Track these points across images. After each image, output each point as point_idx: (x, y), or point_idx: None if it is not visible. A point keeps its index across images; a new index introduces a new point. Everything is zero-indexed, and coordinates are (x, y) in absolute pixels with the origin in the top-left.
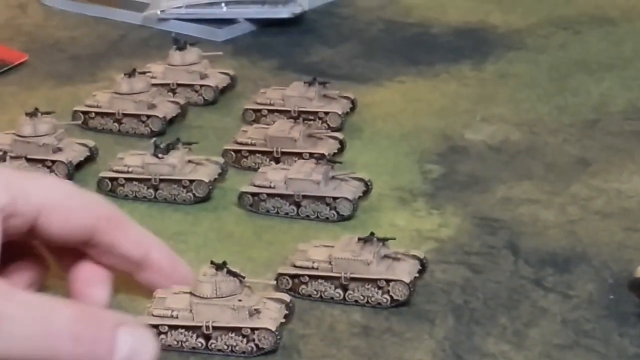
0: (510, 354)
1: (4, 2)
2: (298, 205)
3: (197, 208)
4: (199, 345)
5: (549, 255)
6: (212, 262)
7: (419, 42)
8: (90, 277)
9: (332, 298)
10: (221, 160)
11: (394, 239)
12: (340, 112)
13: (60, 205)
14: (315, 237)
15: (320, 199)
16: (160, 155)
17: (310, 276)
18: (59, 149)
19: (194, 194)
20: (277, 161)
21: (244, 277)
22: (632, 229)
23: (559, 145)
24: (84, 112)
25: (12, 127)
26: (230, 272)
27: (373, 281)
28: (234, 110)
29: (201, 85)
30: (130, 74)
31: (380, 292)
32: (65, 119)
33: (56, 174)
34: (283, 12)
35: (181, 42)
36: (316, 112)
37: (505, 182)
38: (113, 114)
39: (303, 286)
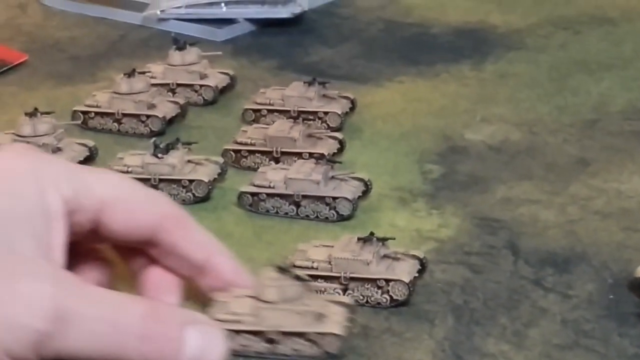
0: (510, 354)
1: (4, 2)
2: (298, 205)
3: (196, 208)
4: (264, 349)
5: (549, 255)
6: (277, 267)
7: (419, 42)
8: (160, 283)
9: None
10: (221, 160)
11: (394, 239)
12: (339, 112)
13: (123, 200)
14: (315, 237)
15: (320, 198)
16: (159, 155)
17: (310, 276)
18: (59, 149)
19: (193, 194)
20: (277, 161)
21: (309, 281)
22: (632, 229)
23: (559, 145)
24: (84, 112)
25: (12, 127)
26: (295, 276)
27: (373, 281)
28: (233, 110)
29: (201, 85)
30: (130, 74)
31: (379, 292)
32: (64, 119)
33: None
34: (283, 12)
35: (181, 42)
36: (316, 112)
37: (505, 182)
38: (113, 114)
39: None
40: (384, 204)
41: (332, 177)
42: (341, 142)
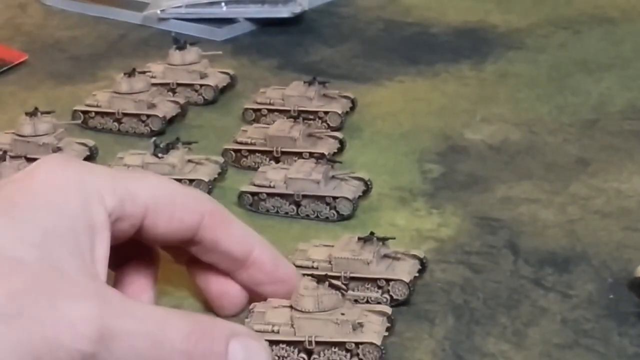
0: (510, 353)
1: (4, 2)
2: (298, 204)
3: None
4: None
5: (549, 255)
6: (312, 276)
7: (418, 42)
8: (222, 278)
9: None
10: (221, 159)
11: (394, 238)
12: (340, 112)
13: (165, 204)
14: (315, 236)
15: (320, 198)
16: (160, 154)
17: (310, 276)
18: (59, 149)
19: None
20: (277, 161)
21: (346, 291)
22: (632, 228)
23: (559, 145)
24: (84, 112)
25: (12, 126)
26: (331, 285)
27: (373, 280)
28: (233, 109)
29: (201, 85)
30: (130, 73)
31: (380, 291)
32: (65, 118)
33: None
34: (283, 12)
35: (181, 42)
36: (316, 112)
37: (505, 182)
38: (113, 113)
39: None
40: (384, 203)
41: (333, 177)
42: (341, 142)
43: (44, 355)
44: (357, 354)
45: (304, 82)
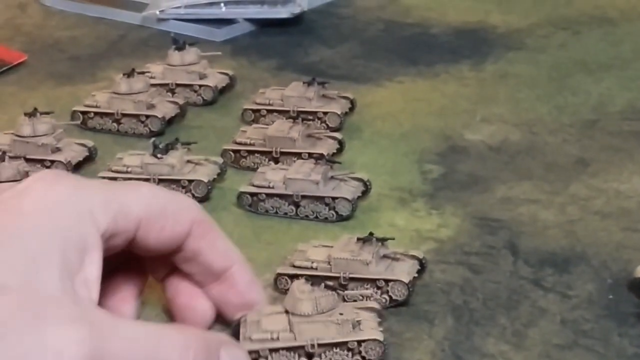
0: (509, 354)
1: (4, 2)
2: (297, 205)
3: None
4: None
5: (549, 255)
6: (306, 279)
7: (418, 42)
8: (192, 291)
9: (338, 294)
10: (220, 160)
11: (393, 239)
12: (339, 112)
13: (157, 216)
14: (314, 237)
15: (320, 199)
16: (159, 155)
17: (309, 276)
18: (58, 149)
19: (193, 194)
20: (276, 161)
21: (343, 290)
22: (632, 229)
23: (559, 145)
24: (83, 112)
25: (11, 127)
26: (327, 286)
27: (372, 281)
28: (233, 110)
29: (200, 86)
30: (129, 74)
31: (379, 292)
32: (64, 119)
33: None
34: (282, 12)
35: (180, 42)
36: (315, 112)
37: (505, 182)
38: (112, 114)
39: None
40: (384, 204)
41: (332, 177)
42: (341, 142)
43: None
44: (359, 352)
45: (303, 83)
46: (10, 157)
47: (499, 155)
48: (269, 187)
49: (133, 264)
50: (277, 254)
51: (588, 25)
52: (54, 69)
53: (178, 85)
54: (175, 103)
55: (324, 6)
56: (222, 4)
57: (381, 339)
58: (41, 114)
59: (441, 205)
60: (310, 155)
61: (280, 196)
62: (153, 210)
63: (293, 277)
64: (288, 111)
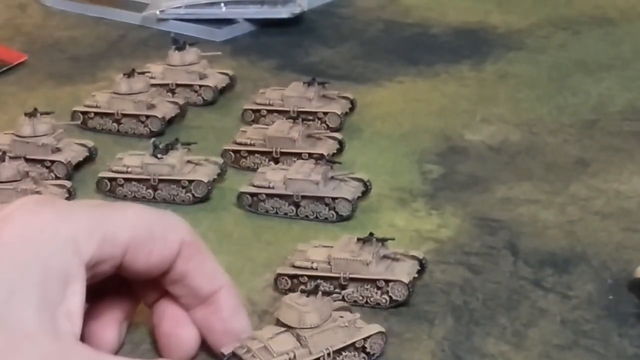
0: (509, 354)
1: (4, 2)
2: (297, 205)
3: (196, 208)
4: None
5: (549, 256)
6: (302, 291)
7: (418, 42)
8: (177, 318)
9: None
10: (220, 160)
11: (393, 239)
12: (339, 113)
13: (145, 240)
14: (314, 237)
15: (320, 199)
16: (159, 155)
17: (309, 276)
18: (58, 149)
19: (193, 195)
20: (276, 161)
21: (339, 294)
22: (632, 229)
23: (559, 145)
24: (83, 113)
25: (11, 127)
26: (324, 293)
27: (372, 281)
28: (233, 110)
29: (200, 86)
30: (130, 74)
31: (379, 292)
32: (64, 119)
33: (55, 175)
34: (282, 12)
35: (180, 42)
36: (315, 113)
37: (505, 182)
38: (112, 114)
39: (302, 286)
40: (384, 204)
41: (332, 178)
42: (341, 143)
43: None
44: (365, 348)
45: (304, 83)
46: (11, 157)
47: (499, 155)
48: (269, 188)
49: (122, 288)
50: (277, 254)
51: (588, 25)
52: (54, 69)
53: (178, 85)
54: (176, 103)
55: (324, 6)
56: (222, 4)
57: (384, 330)
58: (41, 114)
59: (441, 206)
60: (310, 155)
61: (281, 196)
62: (140, 234)
63: (293, 277)
64: (288, 111)
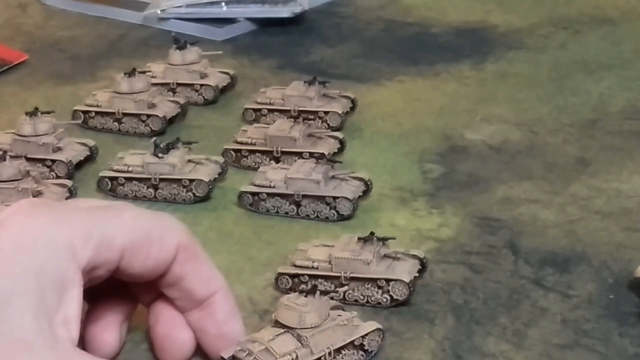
0: (510, 353)
1: (4, 2)
2: (298, 204)
3: (197, 207)
4: None
5: (549, 255)
6: (300, 291)
7: (418, 42)
8: (173, 319)
9: (332, 298)
10: (221, 159)
11: (394, 238)
12: (340, 112)
13: (141, 243)
14: (315, 236)
15: (320, 198)
16: (160, 154)
17: (310, 275)
18: (59, 149)
19: (193, 194)
20: (277, 160)
21: (337, 292)
22: (632, 228)
23: (559, 145)
24: (84, 112)
25: (12, 126)
26: (322, 292)
27: (373, 281)
28: (234, 109)
29: (201, 85)
30: (130, 73)
31: (380, 291)
32: (65, 118)
33: (56, 174)
34: (283, 12)
35: (181, 42)
36: (316, 112)
37: (505, 182)
38: (113, 113)
39: (303, 286)
40: (384, 203)
41: (333, 177)
42: (341, 142)
43: None
44: (363, 346)
45: (304, 82)
46: (11, 157)
47: (499, 155)
48: (270, 187)
49: (120, 289)
50: (278, 254)
51: (588, 25)
52: (54, 68)
53: (179, 84)
54: (176, 102)
55: (324, 5)
56: (223, 3)
57: (382, 327)
58: (42, 113)
59: (442, 205)
60: (311, 154)
61: (281, 195)
62: (137, 237)
63: (294, 276)
64: (289, 110)
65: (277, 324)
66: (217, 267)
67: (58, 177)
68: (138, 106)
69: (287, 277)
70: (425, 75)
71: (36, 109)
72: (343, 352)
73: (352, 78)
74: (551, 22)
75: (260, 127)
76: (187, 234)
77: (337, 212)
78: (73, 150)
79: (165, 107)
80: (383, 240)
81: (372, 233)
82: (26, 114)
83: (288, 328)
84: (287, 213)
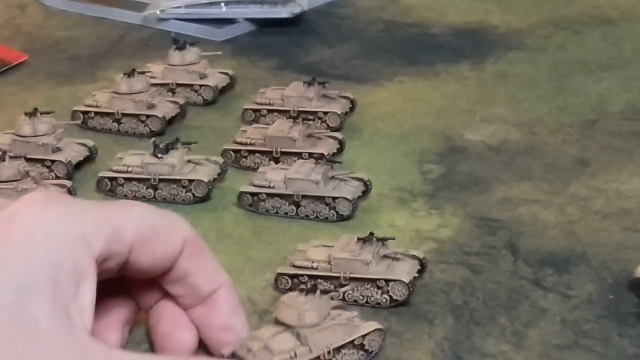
0: (509, 354)
1: (4, 2)
2: (297, 205)
3: (196, 208)
4: None
5: (549, 256)
6: (301, 290)
7: (418, 42)
8: (174, 318)
9: (331, 298)
10: (220, 160)
11: (394, 239)
12: (339, 112)
13: (149, 237)
14: (314, 237)
15: (320, 198)
16: (159, 155)
17: (309, 276)
18: (58, 149)
19: (193, 194)
20: (277, 161)
21: (337, 291)
22: (631, 229)
23: (559, 145)
24: (83, 112)
25: (12, 127)
26: (322, 291)
27: (372, 281)
28: (233, 110)
29: (200, 85)
30: (130, 73)
31: (379, 292)
32: (64, 118)
33: (55, 174)
34: (282, 12)
35: (180, 42)
36: (315, 112)
37: (505, 182)
38: (112, 113)
39: (302, 286)
40: (384, 204)
41: (332, 177)
42: (341, 142)
43: None
44: (363, 346)
45: (304, 83)
46: (11, 157)
47: (499, 155)
48: (269, 187)
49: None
50: (278, 254)
51: (588, 25)
52: (53, 69)
53: (178, 85)
54: (176, 103)
55: (324, 6)
56: (222, 4)
57: (382, 327)
58: (41, 113)
59: (441, 206)
60: (310, 155)
61: (281, 196)
62: (145, 231)
63: (294, 276)
64: (288, 111)
65: (277, 322)
66: None
67: (57, 177)
68: (137, 107)
69: (286, 277)
70: (425, 76)
71: (35, 109)
72: (343, 351)
73: (352, 78)
74: (551, 23)
75: (259, 127)
76: (192, 230)
77: (337, 212)
78: (72, 150)
79: (165, 108)
80: (382, 240)
81: (371, 233)
82: (25, 114)
83: (288, 326)
84: (286, 213)
